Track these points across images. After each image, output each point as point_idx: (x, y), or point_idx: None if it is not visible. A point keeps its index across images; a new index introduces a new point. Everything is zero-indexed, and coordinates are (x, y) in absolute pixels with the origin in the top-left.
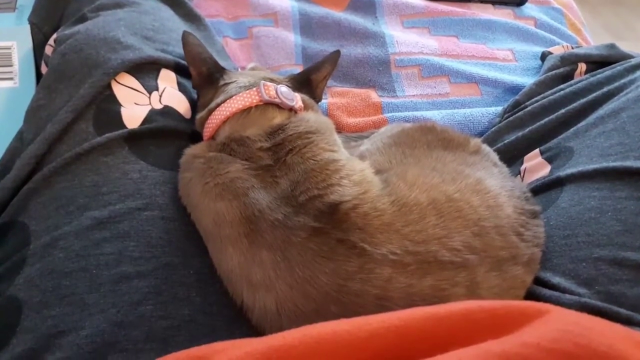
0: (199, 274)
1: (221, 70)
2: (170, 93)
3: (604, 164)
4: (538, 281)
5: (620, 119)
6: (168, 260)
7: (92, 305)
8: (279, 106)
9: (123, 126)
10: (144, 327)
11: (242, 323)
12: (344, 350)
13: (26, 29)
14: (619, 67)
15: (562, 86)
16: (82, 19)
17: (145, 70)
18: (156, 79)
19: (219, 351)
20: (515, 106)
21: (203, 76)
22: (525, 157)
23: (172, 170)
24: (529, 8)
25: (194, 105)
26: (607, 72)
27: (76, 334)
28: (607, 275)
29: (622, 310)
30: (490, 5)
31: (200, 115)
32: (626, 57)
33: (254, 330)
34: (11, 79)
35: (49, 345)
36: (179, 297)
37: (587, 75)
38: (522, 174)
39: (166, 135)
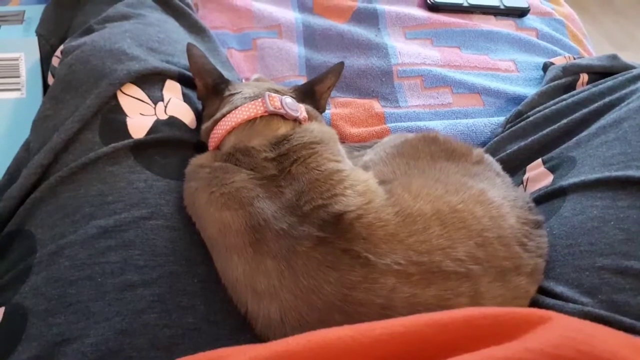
0: (204, 283)
1: (226, 82)
2: (175, 104)
3: (606, 174)
4: (541, 290)
5: (622, 128)
6: (172, 269)
7: (97, 314)
8: (283, 117)
9: (129, 136)
10: (149, 335)
11: (246, 332)
12: (348, 356)
13: (34, 41)
14: (620, 78)
15: (564, 96)
16: (89, 31)
17: (150, 81)
18: (161, 89)
19: (224, 357)
20: (518, 116)
21: (208, 87)
22: (528, 167)
23: (177, 179)
24: (530, 19)
25: (199, 116)
26: (609, 82)
27: (81, 342)
28: (611, 284)
29: (626, 319)
30: (492, 17)
31: (205, 125)
32: (628, 67)
33: (258, 338)
34: (18, 89)
35: (54, 353)
36: (184, 306)
37: (589, 86)
38: (524, 184)
39: (171, 145)
